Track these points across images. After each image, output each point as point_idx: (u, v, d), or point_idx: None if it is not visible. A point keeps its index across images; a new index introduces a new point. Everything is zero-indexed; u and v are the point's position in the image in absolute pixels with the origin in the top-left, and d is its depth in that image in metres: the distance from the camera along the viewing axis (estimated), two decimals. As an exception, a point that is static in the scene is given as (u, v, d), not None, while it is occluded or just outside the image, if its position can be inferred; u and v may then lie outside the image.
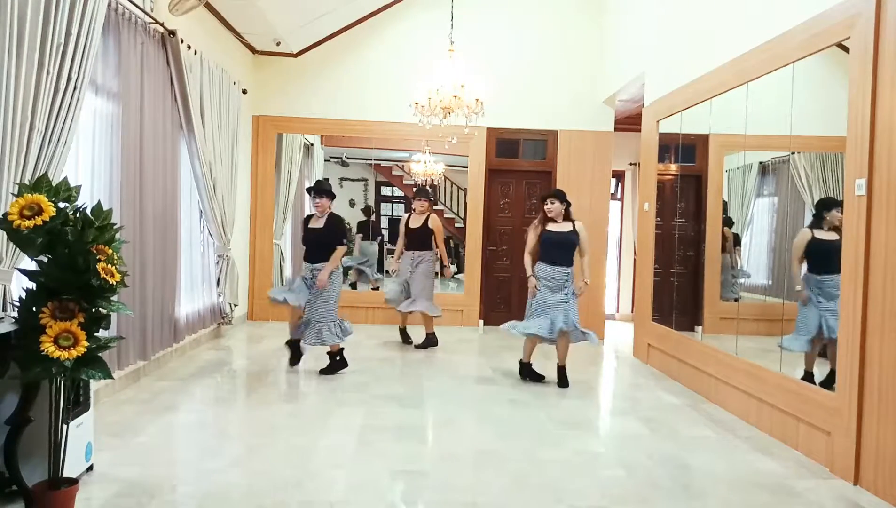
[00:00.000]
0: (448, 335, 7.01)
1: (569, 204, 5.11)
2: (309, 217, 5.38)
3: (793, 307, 4.15)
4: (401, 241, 6.56)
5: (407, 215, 6.61)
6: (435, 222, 6.41)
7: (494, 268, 8.03)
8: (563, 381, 5.03)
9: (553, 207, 5.04)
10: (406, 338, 6.66)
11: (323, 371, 5.17)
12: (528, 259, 5.12)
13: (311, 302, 5.13)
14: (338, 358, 5.22)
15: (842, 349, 3.39)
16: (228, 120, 6.37)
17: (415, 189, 6.95)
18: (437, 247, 6.43)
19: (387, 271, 8.50)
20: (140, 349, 4.71)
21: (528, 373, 5.19)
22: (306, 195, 5.31)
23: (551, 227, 5.05)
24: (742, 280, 4.99)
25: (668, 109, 5.75)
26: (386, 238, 9.08)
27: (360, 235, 8.76)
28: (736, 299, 4.97)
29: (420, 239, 6.38)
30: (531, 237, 5.12)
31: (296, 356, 5.37)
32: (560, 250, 5.00)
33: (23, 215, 2.31)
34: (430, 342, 6.49)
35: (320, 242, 5.14)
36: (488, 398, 4.73)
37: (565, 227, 5.04)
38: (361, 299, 8.05)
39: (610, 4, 7.53)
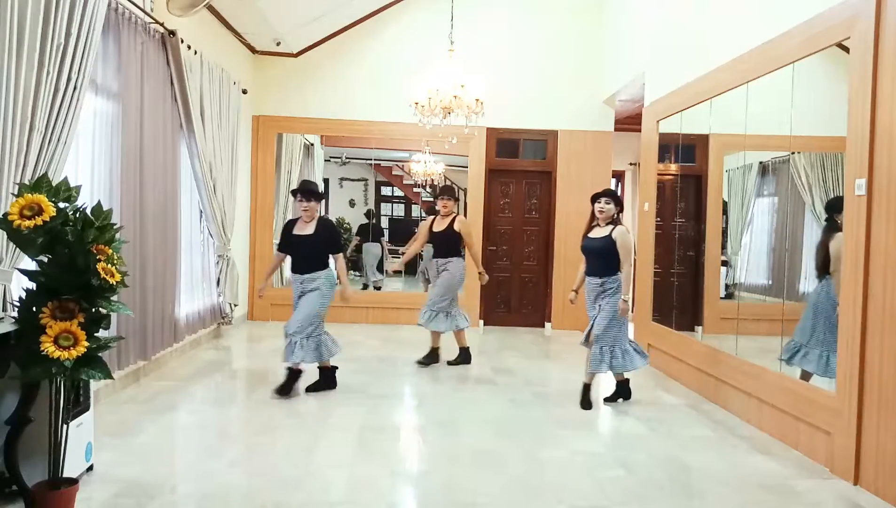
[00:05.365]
0: (448, 335, 6.98)
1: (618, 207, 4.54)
2: (292, 222, 4.70)
3: (792, 308, 4.15)
4: (417, 244, 5.96)
5: (431, 217, 5.89)
6: (462, 225, 5.69)
7: (494, 268, 8.02)
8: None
9: (608, 207, 4.48)
10: (431, 358, 5.78)
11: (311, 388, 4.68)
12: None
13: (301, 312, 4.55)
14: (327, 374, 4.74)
15: (842, 349, 3.39)
16: (228, 120, 6.37)
17: (439, 187, 6.45)
18: (471, 251, 5.75)
19: (386, 272, 8.51)
20: (140, 349, 4.71)
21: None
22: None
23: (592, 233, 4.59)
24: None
25: (668, 109, 5.75)
26: (387, 238, 9.08)
27: (359, 237, 8.74)
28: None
29: (446, 244, 5.68)
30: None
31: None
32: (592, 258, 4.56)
33: (23, 215, 2.31)
34: (463, 358, 5.82)
35: (313, 250, 4.55)
36: (488, 398, 4.73)
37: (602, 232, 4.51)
38: (361, 299, 8.04)
39: (610, 4, 7.53)
